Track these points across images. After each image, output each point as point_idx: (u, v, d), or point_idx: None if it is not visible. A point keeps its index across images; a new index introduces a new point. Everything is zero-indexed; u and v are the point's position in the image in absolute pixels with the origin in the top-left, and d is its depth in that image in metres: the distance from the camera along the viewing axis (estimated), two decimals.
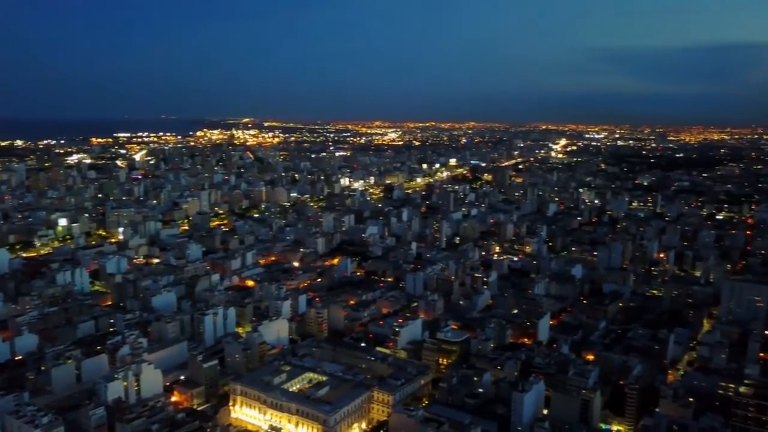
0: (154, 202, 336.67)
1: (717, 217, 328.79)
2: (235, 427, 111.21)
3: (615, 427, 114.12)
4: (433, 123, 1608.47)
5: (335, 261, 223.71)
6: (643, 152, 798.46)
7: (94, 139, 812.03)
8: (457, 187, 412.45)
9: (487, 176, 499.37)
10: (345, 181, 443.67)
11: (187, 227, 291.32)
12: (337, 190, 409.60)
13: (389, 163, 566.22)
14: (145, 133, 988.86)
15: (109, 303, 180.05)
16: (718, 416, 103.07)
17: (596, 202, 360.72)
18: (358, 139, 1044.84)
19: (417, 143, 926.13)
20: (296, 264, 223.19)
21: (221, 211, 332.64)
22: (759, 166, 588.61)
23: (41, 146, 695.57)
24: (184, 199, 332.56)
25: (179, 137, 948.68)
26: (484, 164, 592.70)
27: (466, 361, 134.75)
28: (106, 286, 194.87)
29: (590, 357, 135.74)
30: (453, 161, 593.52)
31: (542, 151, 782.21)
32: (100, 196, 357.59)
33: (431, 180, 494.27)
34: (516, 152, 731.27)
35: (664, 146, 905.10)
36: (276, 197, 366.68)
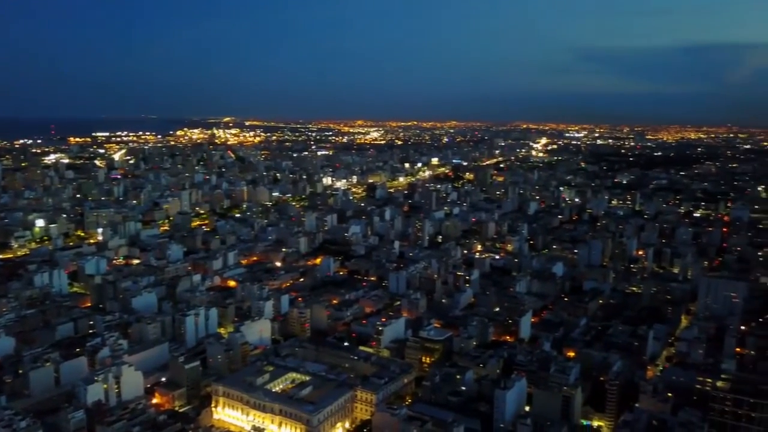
0: (134, 202, 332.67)
1: (694, 214, 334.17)
2: (217, 428, 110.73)
3: (596, 423, 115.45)
4: (415, 122, 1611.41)
5: (318, 260, 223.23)
6: (622, 151, 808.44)
7: (71, 139, 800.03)
8: (439, 186, 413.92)
9: (468, 175, 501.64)
10: (327, 181, 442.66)
11: (167, 227, 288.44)
12: (319, 190, 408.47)
13: (372, 162, 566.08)
14: (125, 133, 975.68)
15: (89, 304, 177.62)
16: (696, 410, 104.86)
17: (576, 200, 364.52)
18: (341, 138, 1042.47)
19: (399, 142, 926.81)
20: (278, 264, 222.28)
21: (202, 211, 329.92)
22: (734, 165, 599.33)
23: (17, 146, 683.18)
24: (164, 199, 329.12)
25: (159, 136, 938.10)
26: (465, 163, 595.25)
27: (449, 360, 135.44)
28: (85, 287, 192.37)
29: (571, 354, 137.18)
30: (435, 160, 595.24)
31: (523, 150, 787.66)
32: (78, 196, 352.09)
33: (413, 179, 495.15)
34: (497, 151, 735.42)
35: (642, 145, 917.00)
36: (257, 197, 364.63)
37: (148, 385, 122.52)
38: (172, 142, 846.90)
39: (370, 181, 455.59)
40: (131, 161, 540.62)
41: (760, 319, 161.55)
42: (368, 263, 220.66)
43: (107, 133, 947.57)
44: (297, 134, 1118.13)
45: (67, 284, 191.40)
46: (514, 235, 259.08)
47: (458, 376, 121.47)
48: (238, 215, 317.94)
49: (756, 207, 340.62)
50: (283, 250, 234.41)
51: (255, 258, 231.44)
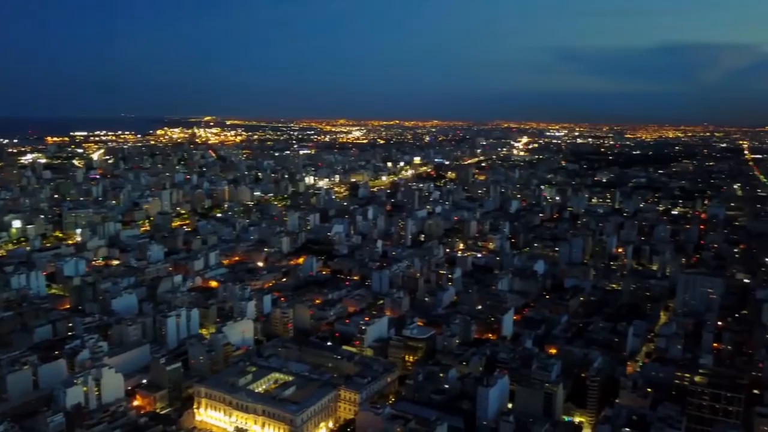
0: (114, 202, 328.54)
1: (672, 212, 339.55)
2: (199, 430, 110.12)
3: (577, 419, 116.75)
4: (398, 121, 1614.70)
5: (300, 260, 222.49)
6: (602, 150, 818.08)
7: (49, 138, 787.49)
8: (421, 185, 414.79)
9: (450, 174, 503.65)
10: (309, 180, 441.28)
11: (148, 228, 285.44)
12: (301, 189, 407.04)
13: (354, 161, 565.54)
14: (103, 132, 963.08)
15: (67, 306, 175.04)
16: (675, 405, 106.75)
17: (557, 198, 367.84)
18: (323, 137, 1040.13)
19: (381, 141, 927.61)
20: (260, 264, 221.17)
21: (183, 211, 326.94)
22: (711, 163, 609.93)
23: None
24: (144, 199, 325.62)
25: (139, 136, 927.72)
26: (447, 162, 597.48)
27: (432, 358, 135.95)
28: (64, 289, 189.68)
29: (553, 351, 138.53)
30: (417, 159, 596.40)
31: (504, 149, 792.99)
32: (56, 196, 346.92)
33: (396, 178, 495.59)
34: (479, 150, 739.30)
35: (621, 144, 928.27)
36: (239, 196, 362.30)
37: (129, 388, 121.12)
38: (152, 142, 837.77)
39: (353, 180, 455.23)
40: (110, 161, 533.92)
41: (736, 315, 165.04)
42: (351, 262, 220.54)
43: (85, 133, 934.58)
44: (279, 133, 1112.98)
45: (44, 286, 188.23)
46: (495, 234, 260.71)
47: (441, 375, 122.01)
48: (219, 215, 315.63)
49: (732, 204, 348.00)
50: (266, 249, 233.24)
51: (237, 258, 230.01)
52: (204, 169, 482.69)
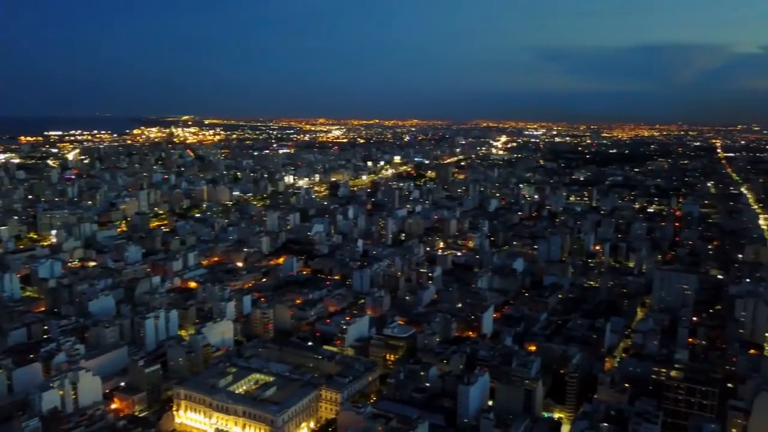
0: (90, 202, 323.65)
1: (648, 210, 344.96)
2: None
3: (557, 415, 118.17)
4: (377, 120, 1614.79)
5: (280, 260, 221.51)
6: (579, 148, 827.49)
7: (22, 138, 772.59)
8: (401, 184, 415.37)
9: (430, 173, 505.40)
10: (289, 179, 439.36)
11: (125, 228, 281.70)
12: (281, 188, 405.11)
13: (334, 160, 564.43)
14: (79, 131, 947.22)
15: (42, 309, 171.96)
16: (652, 400, 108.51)
17: (536, 197, 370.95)
18: (302, 136, 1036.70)
19: (361, 141, 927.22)
20: (240, 264, 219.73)
21: (161, 212, 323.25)
22: (685, 162, 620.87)
23: None
24: (121, 200, 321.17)
25: (115, 135, 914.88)
26: (427, 161, 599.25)
27: (413, 356, 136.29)
28: (39, 291, 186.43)
29: (532, 348, 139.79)
30: (397, 158, 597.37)
31: (483, 148, 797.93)
32: (30, 197, 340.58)
33: (376, 177, 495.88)
34: (458, 149, 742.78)
35: (598, 143, 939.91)
36: (218, 196, 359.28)
37: (107, 391, 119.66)
38: (129, 141, 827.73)
39: (333, 179, 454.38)
40: (86, 161, 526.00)
41: (711, 310, 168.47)
42: (332, 262, 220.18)
43: (60, 132, 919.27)
44: (258, 132, 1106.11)
45: (19, 288, 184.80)
46: (475, 232, 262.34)
47: (422, 373, 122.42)
48: (198, 215, 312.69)
49: (705, 202, 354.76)
50: (245, 250, 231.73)
51: (216, 258, 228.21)
52: (182, 169, 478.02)
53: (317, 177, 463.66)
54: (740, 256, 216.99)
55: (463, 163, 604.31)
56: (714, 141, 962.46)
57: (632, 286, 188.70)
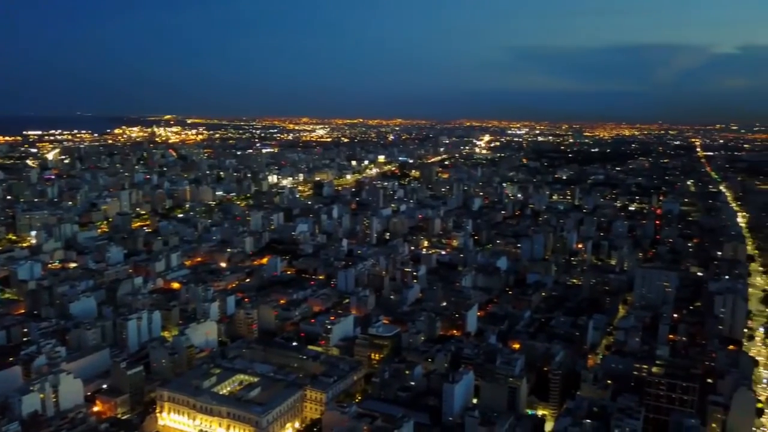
0: (70, 203, 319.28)
1: (629, 208, 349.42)
2: None
3: (540, 412, 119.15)
4: (361, 120, 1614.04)
5: (264, 260, 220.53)
6: (562, 147, 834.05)
7: (0, 138, 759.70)
8: (386, 183, 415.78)
9: (414, 172, 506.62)
10: (273, 179, 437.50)
11: (106, 229, 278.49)
12: (264, 188, 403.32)
13: (318, 159, 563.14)
14: (59, 131, 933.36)
15: (22, 311, 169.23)
16: (634, 396, 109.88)
17: (519, 196, 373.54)
18: (286, 135, 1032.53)
19: (345, 140, 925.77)
20: (223, 264, 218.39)
21: (143, 212, 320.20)
22: (665, 160, 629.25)
23: None
24: (102, 200, 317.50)
25: (96, 135, 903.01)
26: (411, 161, 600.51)
27: (398, 355, 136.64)
28: (18, 293, 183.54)
29: (516, 346, 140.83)
30: (381, 158, 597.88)
31: (467, 148, 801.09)
32: (9, 198, 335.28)
33: (361, 177, 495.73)
34: (442, 149, 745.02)
35: (580, 142, 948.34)
36: (201, 196, 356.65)
37: (89, 393, 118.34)
38: (110, 141, 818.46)
39: (317, 178, 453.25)
40: (66, 161, 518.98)
41: (691, 307, 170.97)
42: (316, 262, 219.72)
43: (39, 132, 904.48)
44: (241, 132, 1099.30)
45: None
46: (459, 231, 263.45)
47: (407, 372, 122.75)
48: (181, 215, 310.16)
49: (685, 200, 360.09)
50: (228, 250, 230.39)
51: (199, 259, 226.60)
52: (164, 169, 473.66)
53: (301, 176, 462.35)
54: (719, 253, 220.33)
55: (446, 163, 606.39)
56: (693, 140, 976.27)
57: (614, 283, 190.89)
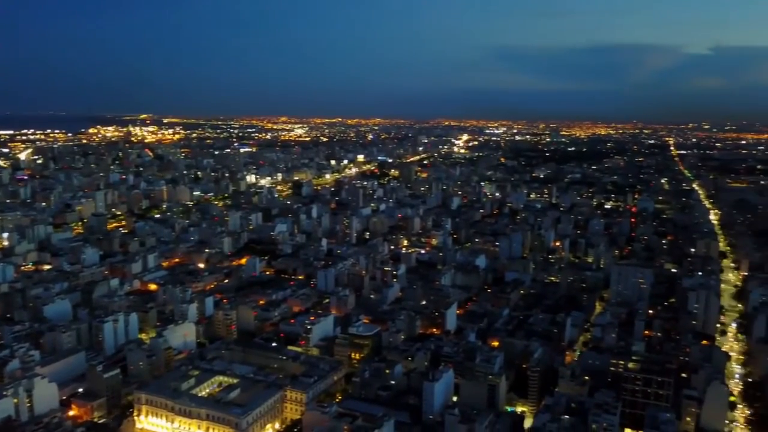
0: (43, 204, 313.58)
1: (605, 206, 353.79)
2: None
3: (519, 409, 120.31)
4: (340, 119, 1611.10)
5: (243, 261, 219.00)
6: (539, 146, 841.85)
7: None
8: (365, 183, 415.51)
9: (394, 172, 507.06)
10: (251, 178, 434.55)
11: (81, 230, 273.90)
12: (242, 188, 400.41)
13: (297, 159, 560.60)
14: (31, 131, 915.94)
15: None
16: (611, 391, 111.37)
17: (497, 194, 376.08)
18: (264, 135, 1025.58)
19: (324, 139, 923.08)
20: (202, 265, 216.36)
21: (119, 213, 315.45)
22: (640, 159, 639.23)
23: None
24: (77, 201, 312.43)
25: (70, 134, 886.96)
26: (390, 160, 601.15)
27: (378, 354, 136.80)
28: None
29: (495, 343, 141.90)
30: (361, 157, 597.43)
31: (445, 147, 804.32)
32: None
33: (340, 176, 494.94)
34: (421, 148, 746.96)
35: (557, 141, 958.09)
36: (178, 196, 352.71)
37: (64, 397, 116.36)
38: (84, 141, 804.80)
39: (296, 178, 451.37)
40: (39, 161, 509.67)
41: (665, 303, 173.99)
42: (295, 262, 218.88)
43: (11, 132, 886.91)
44: (218, 131, 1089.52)
45: None
46: (438, 230, 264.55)
47: (387, 371, 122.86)
48: (157, 216, 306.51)
49: (660, 198, 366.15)
50: (206, 250, 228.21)
51: (177, 260, 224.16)
52: (141, 169, 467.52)
53: (280, 176, 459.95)
54: (692, 250, 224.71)
55: (425, 162, 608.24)
56: (667, 139, 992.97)
57: (591, 280, 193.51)
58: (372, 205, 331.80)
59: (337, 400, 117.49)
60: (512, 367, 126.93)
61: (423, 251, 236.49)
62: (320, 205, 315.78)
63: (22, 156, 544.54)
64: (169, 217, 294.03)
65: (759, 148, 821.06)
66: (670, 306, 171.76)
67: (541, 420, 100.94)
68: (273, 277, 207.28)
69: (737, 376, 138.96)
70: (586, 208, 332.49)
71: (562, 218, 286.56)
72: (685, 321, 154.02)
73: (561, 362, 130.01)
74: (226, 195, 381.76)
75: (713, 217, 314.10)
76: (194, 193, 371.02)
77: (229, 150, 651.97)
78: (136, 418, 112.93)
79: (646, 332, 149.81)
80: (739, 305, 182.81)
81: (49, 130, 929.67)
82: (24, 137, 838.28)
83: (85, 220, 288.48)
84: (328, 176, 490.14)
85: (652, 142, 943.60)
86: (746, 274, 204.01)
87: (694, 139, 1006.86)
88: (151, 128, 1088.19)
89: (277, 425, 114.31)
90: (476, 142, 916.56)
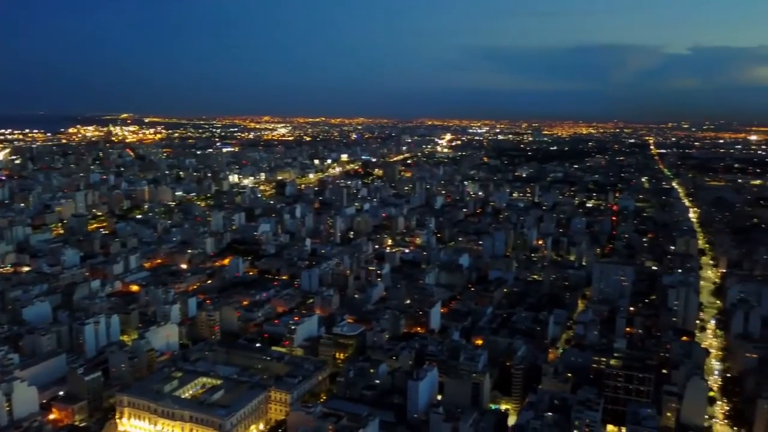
0: (22, 205, 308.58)
1: (587, 204, 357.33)
2: None
3: (503, 406, 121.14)
4: (324, 118, 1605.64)
5: (226, 261, 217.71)
6: (522, 146, 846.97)
7: None
8: (349, 182, 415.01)
9: (377, 171, 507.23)
10: (234, 178, 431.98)
11: (61, 231, 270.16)
12: (225, 188, 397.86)
13: (280, 158, 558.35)
14: (8, 130, 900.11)
15: None
16: (593, 388, 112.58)
17: (480, 194, 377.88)
18: (247, 134, 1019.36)
19: (308, 139, 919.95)
20: (184, 266, 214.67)
21: (100, 213, 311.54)
22: (621, 158, 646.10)
23: None
24: (56, 201, 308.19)
25: (49, 134, 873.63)
26: (374, 159, 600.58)
27: (363, 354, 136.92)
28: None
29: (479, 341, 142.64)
30: (344, 157, 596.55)
31: (429, 146, 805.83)
32: None
33: (323, 175, 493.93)
34: (404, 147, 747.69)
35: (539, 140, 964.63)
36: (160, 196, 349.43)
37: (45, 401, 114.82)
38: (64, 141, 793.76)
39: (279, 178, 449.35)
40: (17, 161, 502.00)
41: (646, 300, 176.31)
42: (279, 262, 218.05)
43: None
44: (201, 131, 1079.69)
45: None
46: (422, 229, 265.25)
47: (372, 370, 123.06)
48: (139, 216, 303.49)
49: (640, 196, 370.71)
50: (189, 251, 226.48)
51: (159, 261, 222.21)
52: (122, 169, 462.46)
53: (263, 176, 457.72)
54: (672, 247, 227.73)
55: (409, 161, 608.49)
56: (647, 138, 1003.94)
57: (573, 278, 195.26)
58: (356, 204, 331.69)
59: (322, 400, 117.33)
60: (496, 365, 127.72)
61: (407, 250, 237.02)
62: (304, 205, 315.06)
63: (0, 156, 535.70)
64: (151, 218, 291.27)
65: (736, 147, 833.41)
66: (650, 303, 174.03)
67: (524, 417, 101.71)
68: (256, 277, 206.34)
69: (716, 371, 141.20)
70: (568, 206, 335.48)
71: (544, 217, 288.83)
72: (666, 318, 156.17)
73: (544, 360, 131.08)
74: (209, 195, 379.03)
75: (692, 215, 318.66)
76: (176, 193, 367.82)
77: (211, 150, 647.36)
78: (118, 420, 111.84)
79: (628, 329, 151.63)
80: (718, 302, 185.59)
81: (27, 130, 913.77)
82: (2, 137, 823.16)
83: (65, 221, 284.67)
84: (311, 176, 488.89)
85: (632, 141, 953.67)
86: (724, 271, 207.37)
87: (673, 138, 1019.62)
88: (132, 128, 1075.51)
89: (261, 426, 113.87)
90: (459, 142, 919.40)
